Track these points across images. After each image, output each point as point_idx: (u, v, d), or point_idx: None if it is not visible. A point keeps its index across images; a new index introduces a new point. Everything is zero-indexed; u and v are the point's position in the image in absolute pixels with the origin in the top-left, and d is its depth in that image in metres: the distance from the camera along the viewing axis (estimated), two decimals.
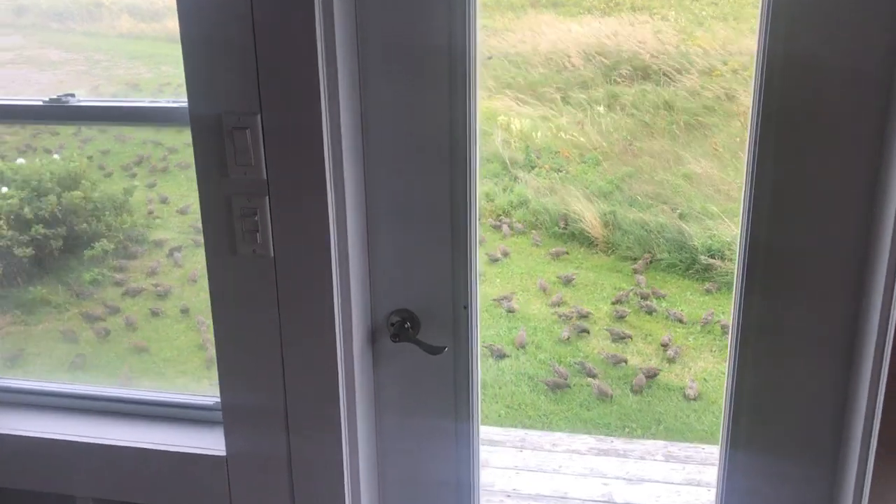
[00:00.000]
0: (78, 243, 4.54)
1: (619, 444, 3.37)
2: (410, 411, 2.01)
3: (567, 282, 6.42)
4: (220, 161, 1.70)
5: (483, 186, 8.42)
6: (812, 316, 1.70)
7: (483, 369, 5.08)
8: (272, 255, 1.74)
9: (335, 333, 1.77)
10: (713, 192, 7.48)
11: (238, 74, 1.63)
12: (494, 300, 6.02)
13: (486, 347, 5.31)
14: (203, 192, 1.73)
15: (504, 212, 7.92)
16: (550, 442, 3.38)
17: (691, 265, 6.52)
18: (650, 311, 5.88)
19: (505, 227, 7.53)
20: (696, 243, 6.63)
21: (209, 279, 1.79)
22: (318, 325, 1.77)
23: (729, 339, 1.78)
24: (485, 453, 3.29)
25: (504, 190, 8.38)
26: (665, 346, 5.30)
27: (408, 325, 1.91)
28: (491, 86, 11.88)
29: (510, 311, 5.86)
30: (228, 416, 1.89)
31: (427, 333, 1.92)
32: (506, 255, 6.97)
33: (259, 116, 1.66)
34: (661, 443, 3.58)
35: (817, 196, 1.64)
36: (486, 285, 6.29)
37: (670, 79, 11.19)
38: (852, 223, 1.63)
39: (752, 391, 1.79)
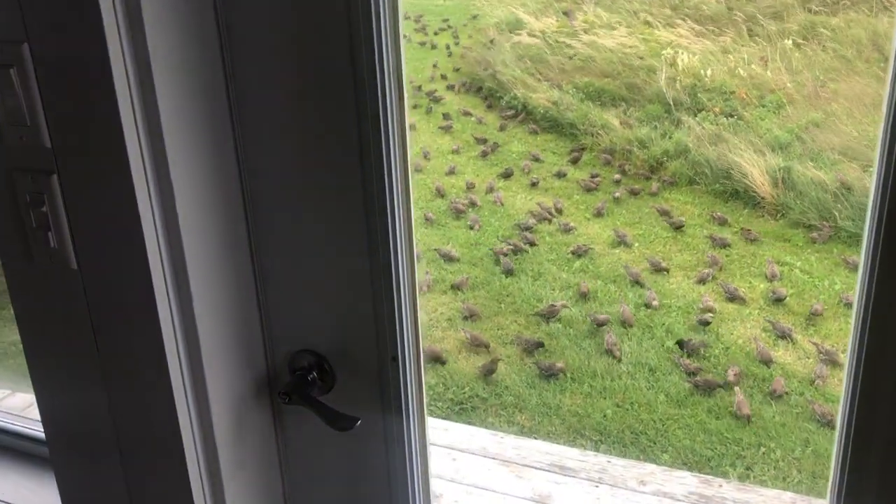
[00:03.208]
0: None
1: (729, 489, 2.54)
2: (327, 497, 1.36)
3: (721, 246, 5.41)
4: None
5: (638, 131, 7.41)
6: None
7: (595, 357, 4.30)
8: (75, 265, 1.12)
9: (171, 383, 1.14)
10: None
11: None
12: (624, 269, 5.16)
13: (596, 325, 4.49)
14: None
15: (657, 162, 6.90)
16: (639, 477, 2.62)
17: None
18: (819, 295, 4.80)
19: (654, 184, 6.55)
20: None
21: (10, 294, 1.21)
22: (149, 372, 1.15)
23: (850, 338, 1.01)
24: (551, 485, 2.59)
25: (662, 136, 7.31)
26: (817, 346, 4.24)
27: (313, 375, 1.24)
28: (666, 14, 10.58)
29: (638, 282, 4.98)
30: (58, 458, 1.32)
31: (343, 391, 1.25)
32: (665, 214, 5.99)
33: (26, 46, 1.02)
34: (787, 497, 2.70)
35: None
36: (622, 250, 5.43)
37: (886, 6, 9.42)
38: None
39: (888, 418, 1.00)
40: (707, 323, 4.46)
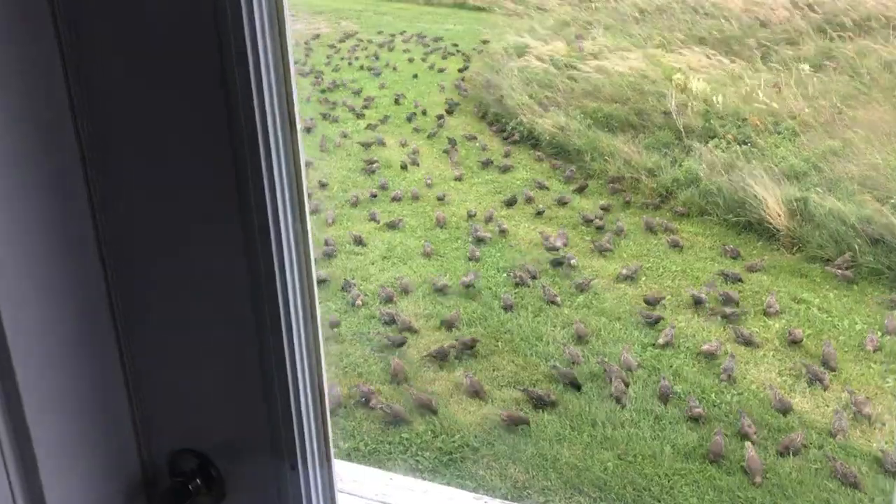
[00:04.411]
0: None
1: None
2: None
3: (733, 281, 5.09)
4: None
5: (647, 159, 7.12)
6: None
7: (597, 401, 3.99)
8: None
9: None
10: None
11: None
12: (635, 305, 4.85)
13: (599, 365, 4.19)
14: None
15: (667, 191, 6.60)
16: None
17: None
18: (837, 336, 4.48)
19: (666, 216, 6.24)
20: None
21: None
22: None
23: None
24: None
25: (672, 164, 7.00)
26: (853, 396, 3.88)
27: (197, 483, 0.97)
28: (678, 38, 10.34)
29: (650, 321, 4.66)
30: None
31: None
32: (676, 246, 5.67)
33: None
34: None
35: None
36: (627, 285, 5.13)
37: None
38: None
39: None
40: (732, 380, 4.12)
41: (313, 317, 0.89)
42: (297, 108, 0.81)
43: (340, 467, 2.78)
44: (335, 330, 4.60)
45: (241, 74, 0.77)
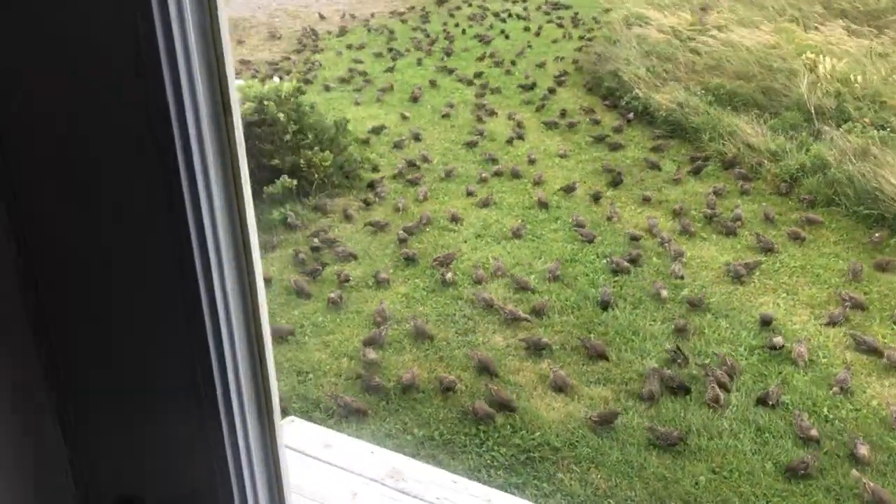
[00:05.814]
0: None
1: None
2: None
3: (860, 282, 4.62)
4: None
5: (771, 141, 6.57)
6: None
7: (694, 407, 3.67)
8: None
9: None
10: None
11: None
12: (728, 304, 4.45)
13: (700, 367, 3.87)
14: None
15: (791, 177, 6.07)
16: None
17: None
18: None
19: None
20: None
21: None
22: None
23: None
24: None
25: (799, 148, 6.41)
26: None
27: None
28: (817, 11, 9.54)
29: (760, 321, 4.28)
30: None
31: None
32: (797, 238, 5.21)
33: None
34: None
35: None
36: (745, 282, 4.73)
37: None
38: None
39: None
40: (848, 393, 3.72)
41: (261, 361, 0.70)
42: (233, 94, 0.62)
43: (403, 462, 2.62)
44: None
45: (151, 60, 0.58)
